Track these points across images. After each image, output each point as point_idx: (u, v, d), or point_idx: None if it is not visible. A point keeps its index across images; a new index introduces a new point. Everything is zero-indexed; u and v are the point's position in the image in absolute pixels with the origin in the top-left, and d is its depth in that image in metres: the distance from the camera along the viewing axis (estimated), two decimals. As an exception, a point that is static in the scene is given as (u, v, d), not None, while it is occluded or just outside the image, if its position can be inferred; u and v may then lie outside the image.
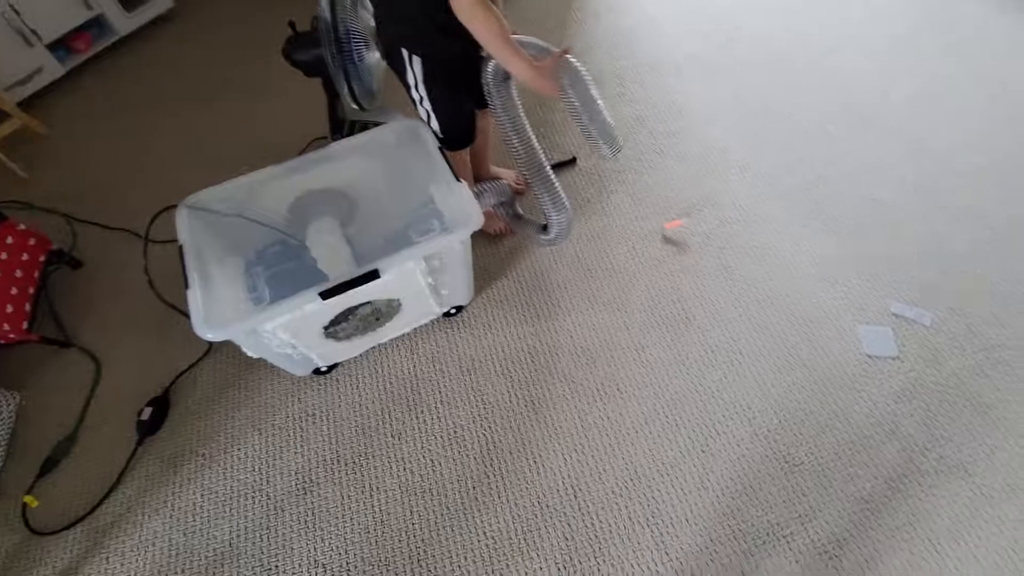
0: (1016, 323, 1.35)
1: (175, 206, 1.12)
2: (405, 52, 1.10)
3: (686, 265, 1.48)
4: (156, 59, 2.18)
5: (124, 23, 2.14)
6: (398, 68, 1.16)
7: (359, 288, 1.03)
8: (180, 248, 1.07)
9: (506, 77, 1.15)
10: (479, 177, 1.63)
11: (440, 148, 1.19)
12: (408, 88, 1.19)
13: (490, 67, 1.14)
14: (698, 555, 1.09)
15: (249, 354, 1.13)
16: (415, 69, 1.12)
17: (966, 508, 1.12)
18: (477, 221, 1.08)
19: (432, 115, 1.20)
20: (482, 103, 1.21)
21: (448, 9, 0.94)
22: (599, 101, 1.04)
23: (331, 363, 1.32)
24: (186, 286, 1.02)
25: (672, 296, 1.43)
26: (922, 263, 1.46)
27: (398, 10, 1.08)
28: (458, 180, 1.15)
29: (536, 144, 1.20)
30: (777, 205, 1.60)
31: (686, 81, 1.94)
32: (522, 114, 1.20)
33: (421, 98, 1.18)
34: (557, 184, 1.23)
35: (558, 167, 1.71)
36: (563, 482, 1.17)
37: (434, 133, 1.23)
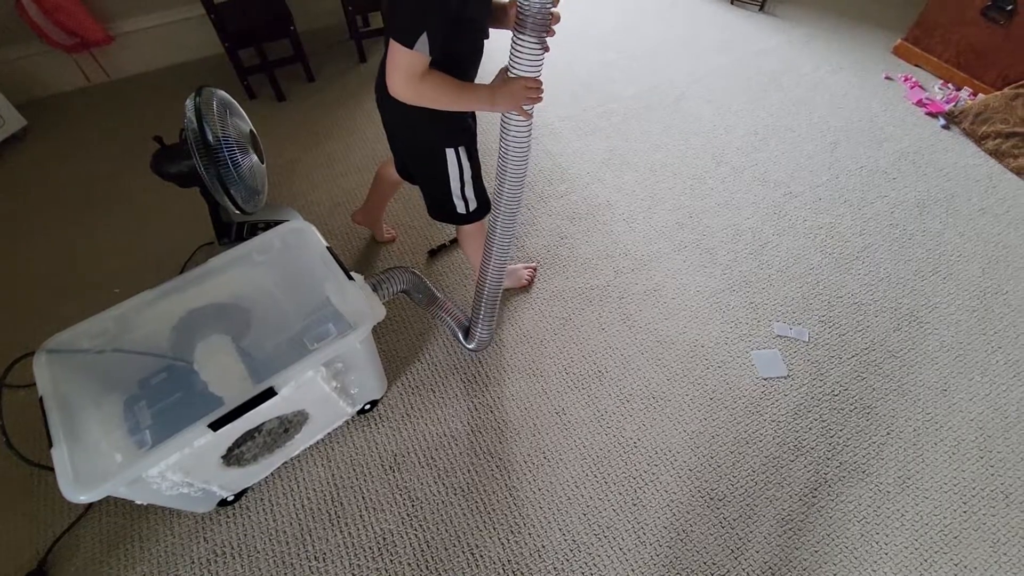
0: (875, 325, 1.53)
1: (33, 353, 1.01)
2: (450, 151, 1.10)
3: (590, 320, 1.54)
4: (9, 182, 2.01)
5: (-33, 148, 1.97)
6: (436, 174, 1.13)
7: (256, 409, 0.97)
8: (40, 400, 0.96)
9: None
10: (375, 220, 1.67)
11: (329, 248, 1.18)
12: (447, 186, 1.16)
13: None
14: (647, 615, 1.09)
15: (137, 502, 1.01)
16: (462, 162, 1.12)
17: (870, 509, 1.21)
18: (375, 316, 1.07)
19: (472, 197, 1.20)
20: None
21: None
22: None
23: (238, 491, 1.21)
24: (50, 444, 0.91)
25: (582, 353, 1.47)
26: (789, 281, 1.63)
27: (429, 113, 0.99)
28: (350, 277, 1.14)
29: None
30: (662, 247, 1.73)
31: (564, 143, 2.10)
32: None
33: (463, 187, 1.17)
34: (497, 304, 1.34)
35: (456, 241, 1.75)
36: (503, 569, 1.13)
37: (463, 215, 1.23)
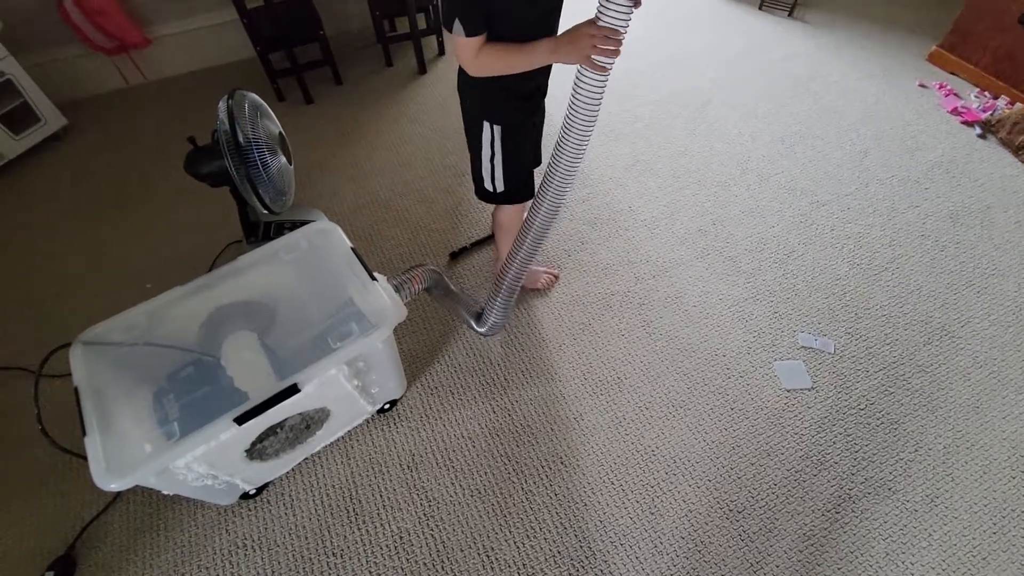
0: (904, 339, 1.49)
1: (69, 344, 1.05)
2: (487, 124, 1.14)
3: (610, 326, 1.54)
4: (49, 179, 2.09)
5: (12, 146, 2.06)
6: (472, 142, 1.21)
7: (280, 405, 0.99)
8: (75, 390, 0.99)
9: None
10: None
11: (353, 248, 1.20)
12: (478, 150, 1.21)
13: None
14: (663, 626, 1.07)
15: (163, 492, 1.04)
16: (495, 138, 1.16)
17: (896, 527, 1.18)
18: (397, 316, 1.09)
19: (497, 174, 1.23)
20: (536, 161, 1.35)
21: (519, 76, 1.00)
22: None
23: (260, 485, 1.23)
24: (83, 433, 0.94)
25: (601, 359, 1.47)
26: (815, 292, 1.60)
27: (479, 87, 1.06)
28: (373, 278, 1.16)
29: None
30: (683, 254, 1.71)
31: (589, 148, 2.09)
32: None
33: (492, 165, 1.21)
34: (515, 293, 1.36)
35: (478, 244, 1.76)
36: (518, 572, 1.13)
37: (488, 192, 1.27)
